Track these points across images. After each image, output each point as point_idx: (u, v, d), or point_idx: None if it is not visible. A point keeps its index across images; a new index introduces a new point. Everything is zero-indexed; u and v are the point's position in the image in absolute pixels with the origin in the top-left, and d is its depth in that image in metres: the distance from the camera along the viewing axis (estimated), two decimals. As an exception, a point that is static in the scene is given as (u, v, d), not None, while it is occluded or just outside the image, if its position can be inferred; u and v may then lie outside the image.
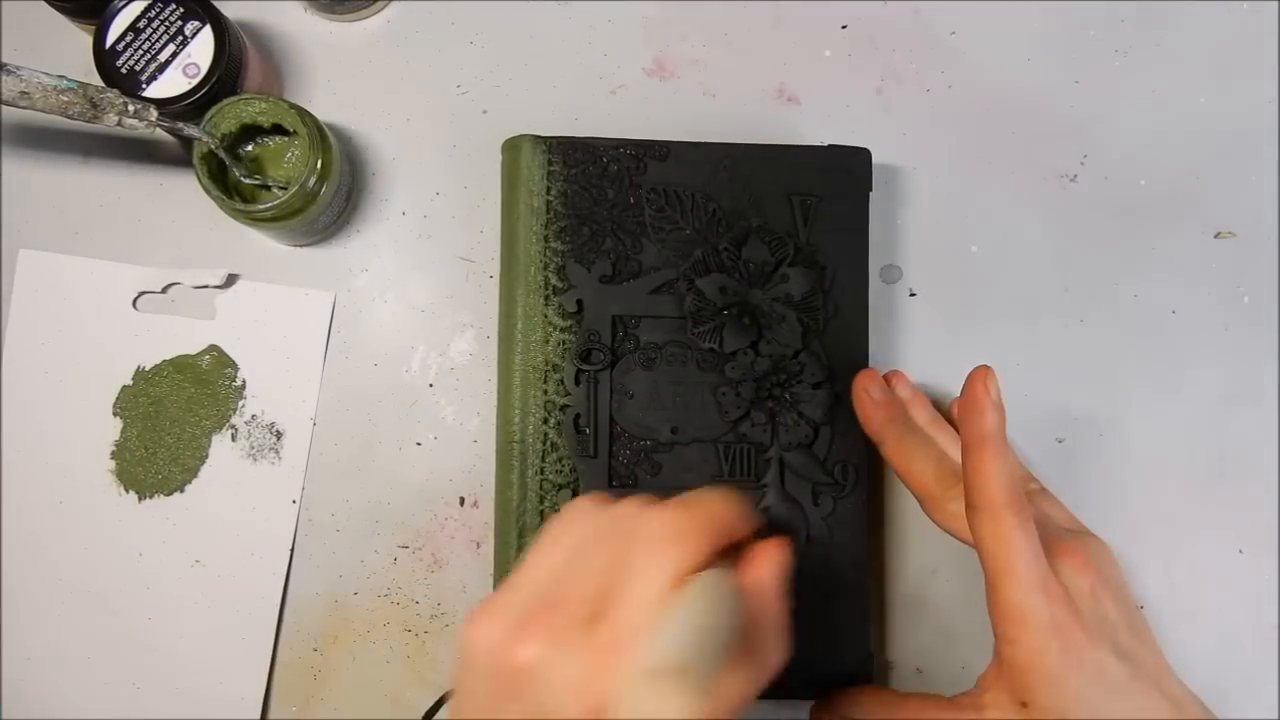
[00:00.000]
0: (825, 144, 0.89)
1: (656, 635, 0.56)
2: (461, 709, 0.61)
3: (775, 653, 0.64)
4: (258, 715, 0.91)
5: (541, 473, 0.84)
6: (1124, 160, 0.97)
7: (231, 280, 0.92)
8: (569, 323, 0.85)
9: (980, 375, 0.73)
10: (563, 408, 0.85)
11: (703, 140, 0.88)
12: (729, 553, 0.63)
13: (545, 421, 0.84)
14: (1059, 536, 0.76)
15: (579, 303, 0.85)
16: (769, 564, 0.66)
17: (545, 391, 0.84)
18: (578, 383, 0.84)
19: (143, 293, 0.92)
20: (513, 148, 0.87)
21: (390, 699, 0.92)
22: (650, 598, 0.56)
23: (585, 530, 0.62)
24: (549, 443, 0.84)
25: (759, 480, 0.86)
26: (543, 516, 0.84)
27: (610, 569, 0.59)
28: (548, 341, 0.85)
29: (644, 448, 0.85)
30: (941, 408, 0.90)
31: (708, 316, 0.85)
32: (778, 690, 0.83)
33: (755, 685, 0.61)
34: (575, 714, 0.55)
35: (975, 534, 0.73)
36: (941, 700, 0.77)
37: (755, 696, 0.62)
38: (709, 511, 0.62)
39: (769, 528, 0.85)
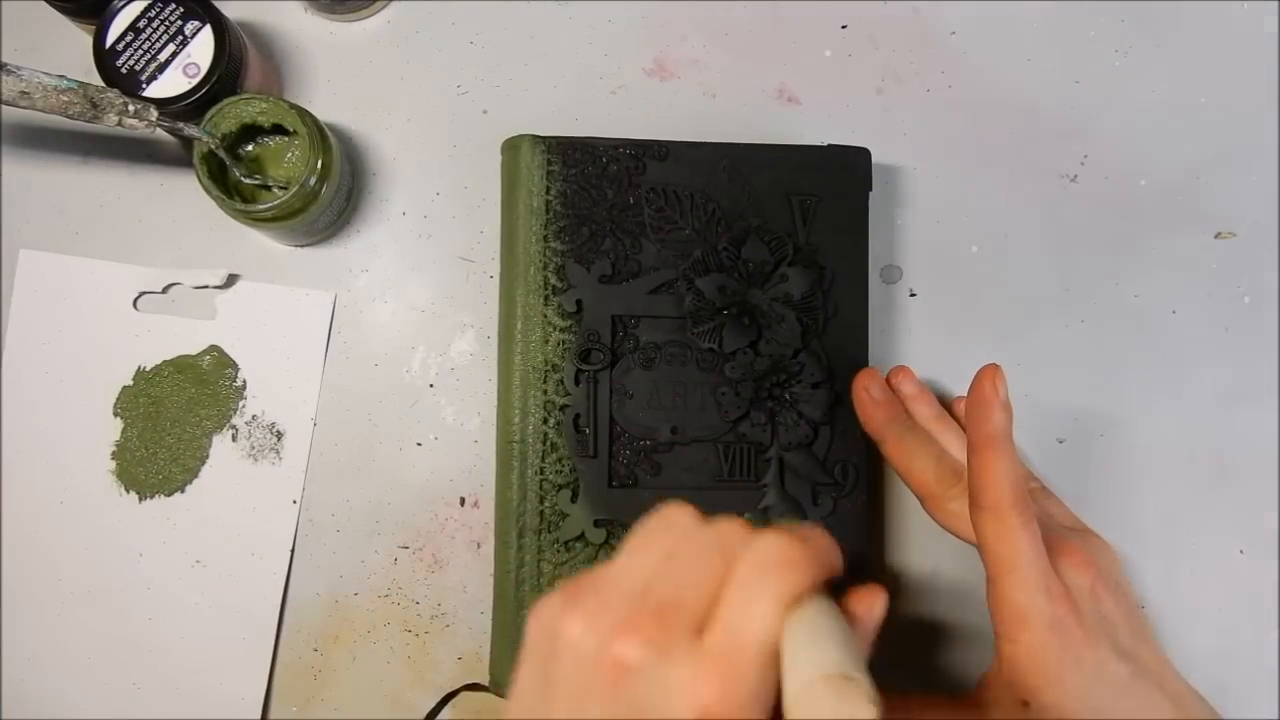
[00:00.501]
0: (825, 144, 0.89)
1: (812, 644, 0.56)
2: (546, 697, 0.59)
3: None
4: (258, 715, 0.91)
5: (541, 472, 0.84)
6: (1124, 160, 0.97)
7: (232, 280, 0.92)
8: (568, 323, 0.85)
9: (988, 374, 0.72)
10: (562, 407, 0.85)
11: (702, 140, 0.88)
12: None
13: (545, 421, 0.84)
14: (1060, 535, 0.76)
15: (578, 303, 0.85)
16: (875, 602, 0.66)
17: (545, 391, 0.85)
18: (577, 382, 0.84)
19: (143, 293, 0.92)
20: (512, 148, 0.87)
21: (390, 699, 0.92)
22: (764, 617, 0.56)
23: (683, 540, 0.61)
24: (549, 442, 0.84)
25: (759, 480, 0.86)
26: (542, 516, 0.84)
27: (714, 583, 0.58)
28: (547, 341, 0.85)
29: (644, 447, 0.85)
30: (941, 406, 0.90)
31: (707, 316, 0.85)
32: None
33: None
34: (683, 717, 0.55)
35: (978, 533, 0.73)
36: (943, 700, 0.77)
37: None
38: (820, 546, 0.62)
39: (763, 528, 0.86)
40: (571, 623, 0.58)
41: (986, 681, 0.75)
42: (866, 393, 0.85)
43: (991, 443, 0.72)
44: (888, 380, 0.89)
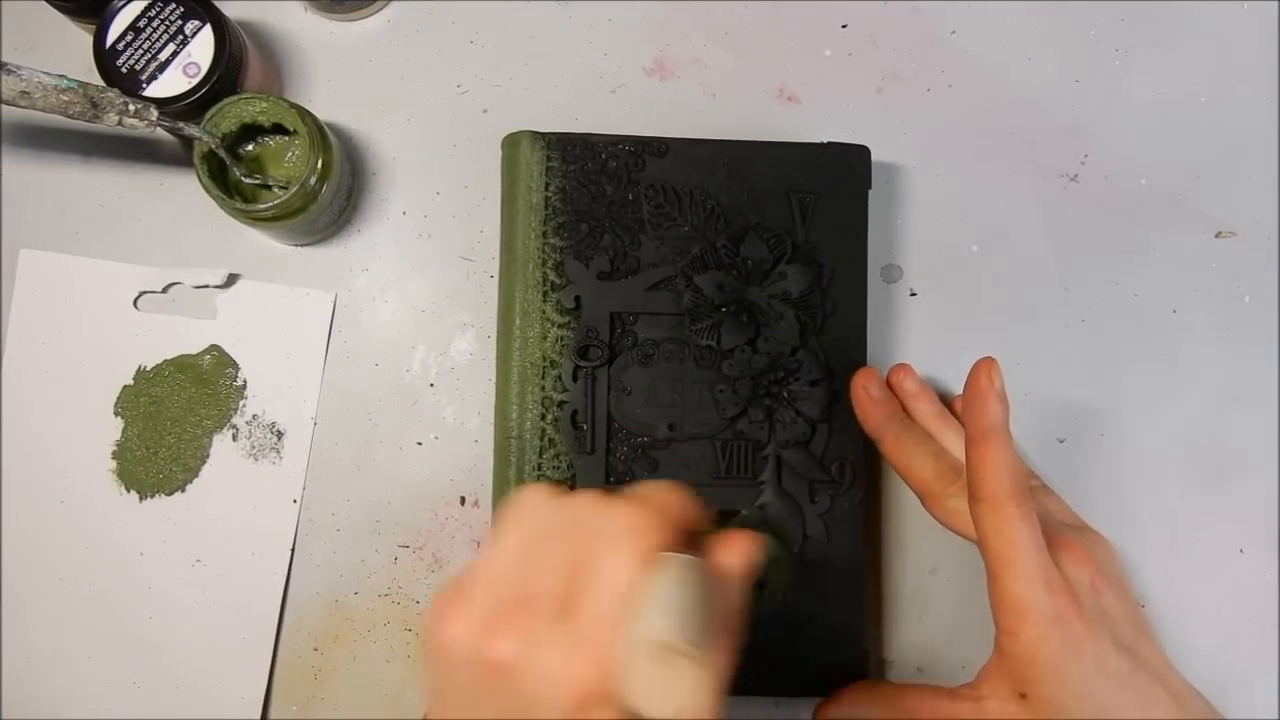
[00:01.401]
0: (824, 142, 0.89)
1: (649, 611, 0.57)
2: (441, 708, 0.62)
3: (732, 645, 0.64)
4: (258, 715, 0.91)
5: (539, 469, 0.84)
6: (1124, 160, 0.97)
7: (232, 280, 0.92)
8: (567, 319, 0.85)
9: (984, 367, 0.73)
10: (560, 404, 0.85)
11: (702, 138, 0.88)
12: (689, 545, 0.64)
13: (543, 418, 0.85)
14: (1060, 531, 0.77)
15: (577, 299, 0.85)
16: (738, 552, 0.66)
17: (543, 388, 0.85)
18: (575, 379, 0.85)
19: (143, 292, 0.92)
20: (512, 143, 0.87)
21: (391, 699, 0.91)
22: (621, 586, 0.57)
23: (542, 523, 0.62)
24: (546, 439, 0.84)
25: (756, 478, 0.86)
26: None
27: (575, 562, 0.59)
28: (545, 338, 0.85)
29: (641, 444, 0.85)
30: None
31: (706, 313, 0.85)
32: (775, 689, 0.84)
33: (727, 671, 0.62)
34: (562, 704, 0.56)
35: (978, 526, 0.73)
36: (940, 692, 0.77)
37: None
38: (666, 503, 0.64)
39: (760, 525, 0.86)
40: (447, 630, 0.60)
41: (985, 675, 0.75)
42: (865, 391, 0.85)
43: (989, 434, 0.72)
44: (888, 378, 0.89)
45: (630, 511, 0.61)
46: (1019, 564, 0.70)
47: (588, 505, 0.62)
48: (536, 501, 0.64)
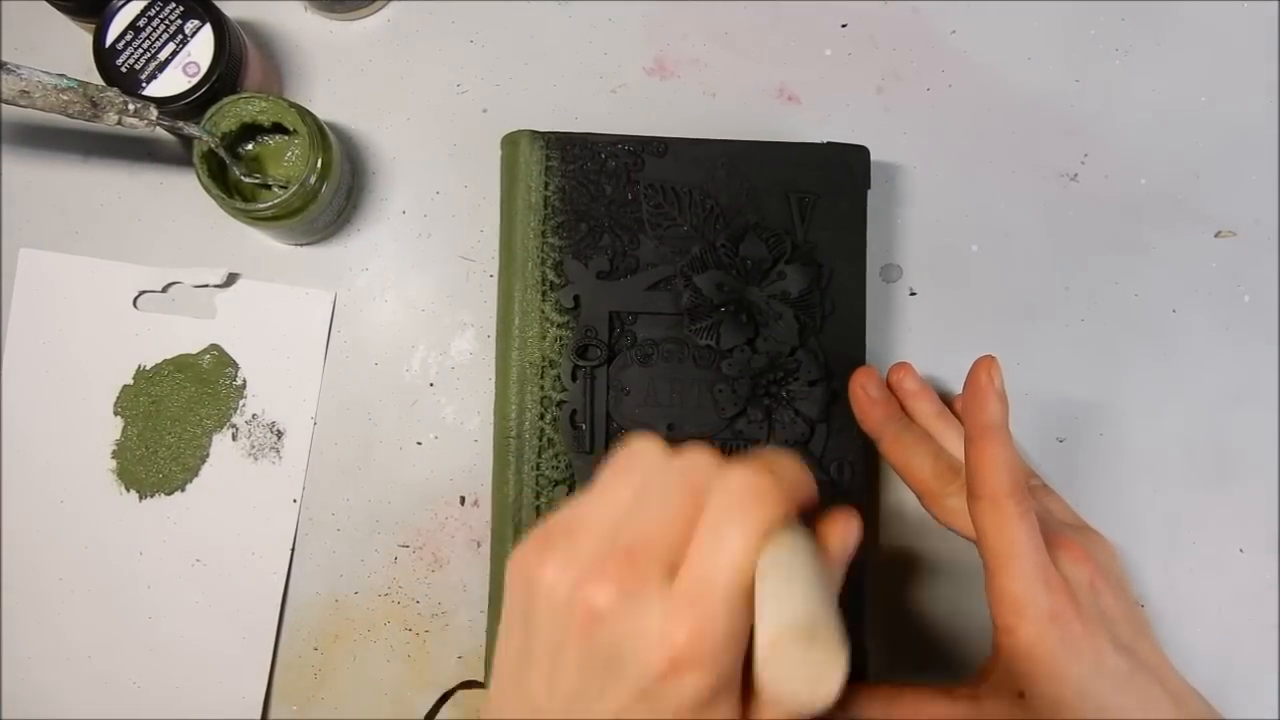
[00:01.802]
0: (824, 141, 0.89)
1: (784, 591, 0.56)
2: (519, 647, 0.60)
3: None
4: (258, 715, 0.91)
5: (538, 469, 0.84)
6: (1124, 159, 0.97)
7: (232, 279, 0.92)
8: (566, 318, 0.85)
9: (984, 365, 0.73)
10: (559, 403, 0.85)
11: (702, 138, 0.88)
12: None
13: (542, 417, 0.84)
14: (1059, 530, 0.76)
15: (576, 299, 0.85)
16: (850, 529, 0.66)
17: (542, 387, 0.85)
18: (574, 379, 0.85)
19: (143, 292, 0.92)
20: (511, 143, 0.88)
21: (390, 698, 0.92)
22: (736, 554, 0.56)
23: (654, 474, 0.61)
24: (546, 438, 0.84)
25: (755, 477, 0.85)
26: (539, 512, 0.84)
27: (685, 520, 0.58)
28: (545, 337, 0.85)
29: (640, 444, 0.85)
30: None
31: (705, 313, 0.85)
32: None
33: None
34: (654, 663, 0.55)
35: (976, 523, 0.73)
36: (938, 691, 0.77)
37: None
38: (791, 474, 0.62)
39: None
40: (544, 571, 0.58)
41: (983, 674, 0.75)
42: (863, 391, 0.85)
43: (988, 432, 0.72)
44: (887, 377, 0.89)
45: (753, 477, 0.59)
46: (1017, 562, 0.70)
47: (707, 462, 0.60)
48: (647, 450, 0.62)
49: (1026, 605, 0.70)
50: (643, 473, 0.61)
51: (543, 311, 0.85)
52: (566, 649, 0.57)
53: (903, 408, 0.87)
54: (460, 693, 0.91)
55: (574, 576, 0.57)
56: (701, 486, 0.59)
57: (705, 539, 0.57)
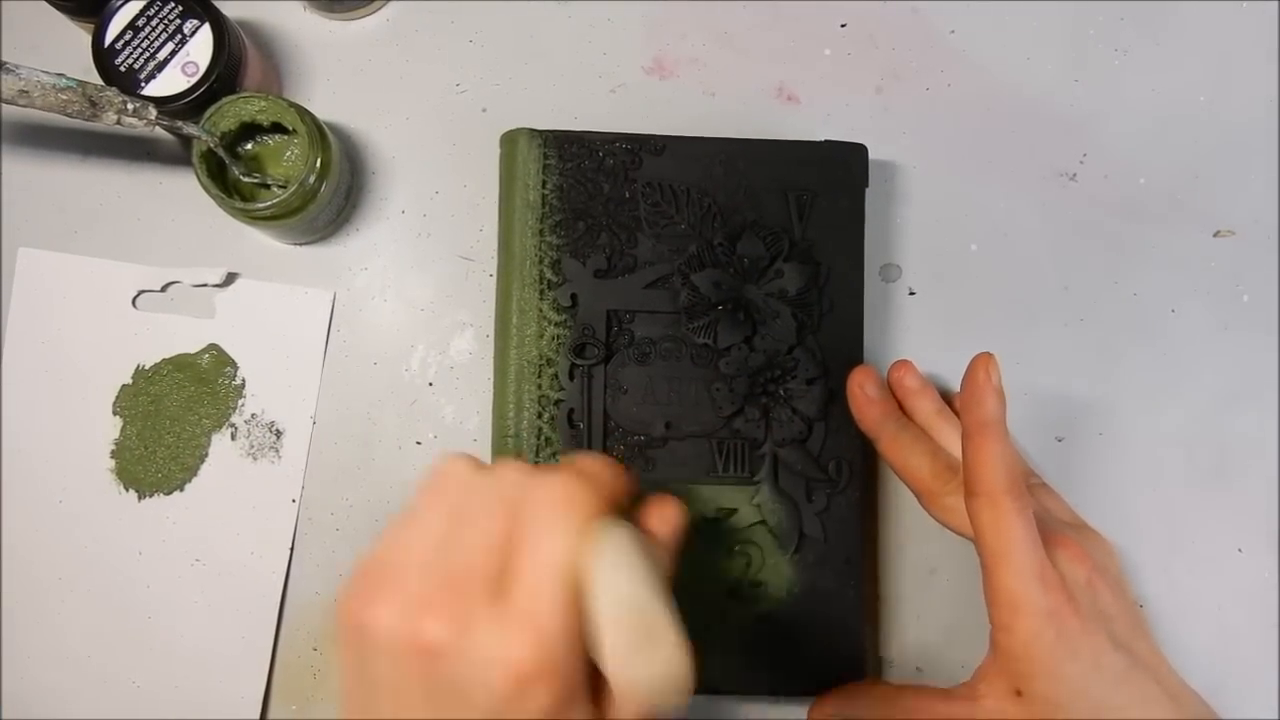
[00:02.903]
0: (822, 140, 0.89)
1: (609, 579, 0.56)
2: (362, 701, 0.60)
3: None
4: (257, 715, 0.91)
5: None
6: (1124, 159, 0.97)
7: (231, 279, 0.92)
8: (563, 317, 0.85)
9: (981, 362, 0.73)
10: (557, 402, 0.85)
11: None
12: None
13: (539, 416, 0.84)
14: (1057, 529, 0.76)
15: (573, 297, 0.85)
16: (668, 518, 0.66)
17: (539, 386, 0.85)
18: (572, 377, 0.85)
19: (142, 291, 0.92)
20: (510, 141, 0.88)
21: (389, 698, 0.91)
22: (558, 559, 0.56)
23: (465, 495, 0.60)
24: (543, 437, 0.84)
25: (753, 476, 0.86)
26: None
27: (506, 536, 0.58)
28: (542, 336, 0.85)
29: (638, 443, 0.85)
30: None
31: (702, 311, 0.85)
32: (772, 688, 0.84)
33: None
34: (500, 685, 0.54)
35: (973, 521, 0.73)
36: (937, 692, 0.77)
37: None
38: (599, 474, 0.63)
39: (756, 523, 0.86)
40: (372, 615, 0.58)
41: (980, 674, 0.75)
42: (861, 390, 0.85)
43: (985, 428, 0.72)
44: (888, 375, 0.89)
45: (563, 482, 0.59)
46: (1014, 559, 0.70)
47: (515, 476, 0.60)
48: (458, 472, 0.62)
49: (1023, 603, 0.70)
50: (454, 495, 0.61)
51: (540, 310, 0.85)
52: (410, 689, 0.57)
53: (902, 406, 0.87)
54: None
55: (402, 614, 0.57)
56: (514, 500, 0.59)
57: (525, 551, 0.57)
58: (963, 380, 0.74)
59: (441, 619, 0.56)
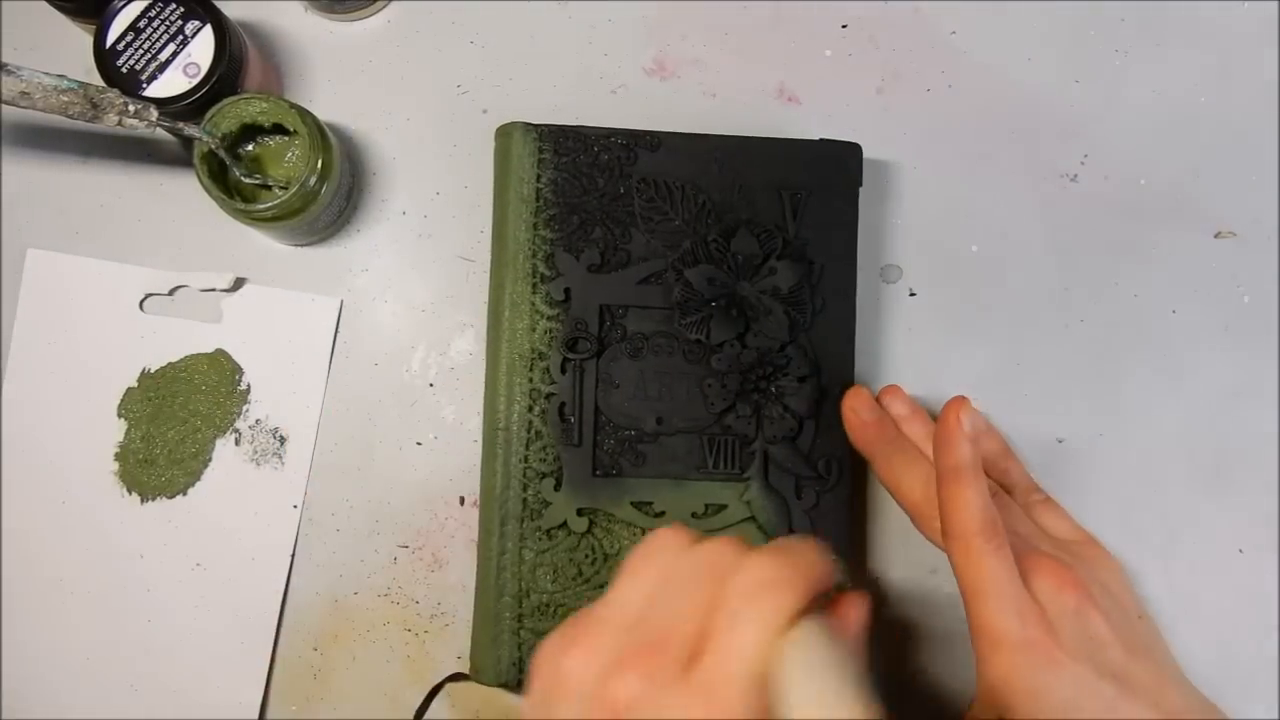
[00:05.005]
0: (817, 138, 0.89)
1: (807, 682, 0.57)
2: None
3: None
4: (257, 715, 0.91)
5: (525, 460, 0.84)
6: (1124, 160, 0.97)
7: (239, 284, 0.93)
8: (556, 311, 0.85)
9: (954, 407, 0.75)
10: (548, 396, 0.85)
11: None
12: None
13: (530, 409, 0.85)
14: (1044, 556, 0.76)
15: (566, 291, 0.85)
16: (860, 610, 0.67)
17: (531, 379, 0.85)
18: (563, 371, 0.85)
19: (149, 295, 0.93)
20: (504, 134, 0.88)
21: (390, 699, 0.92)
22: (751, 645, 0.57)
23: (673, 566, 0.62)
24: (534, 430, 0.85)
25: (743, 473, 0.86)
26: (525, 504, 0.84)
27: (705, 610, 0.59)
28: (534, 329, 0.85)
29: (628, 437, 0.85)
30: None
31: (695, 308, 0.85)
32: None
33: None
34: None
35: (951, 560, 0.75)
36: None
37: None
38: (808, 561, 0.63)
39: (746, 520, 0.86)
40: (570, 660, 0.59)
41: (973, 702, 0.76)
42: (855, 414, 0.85)
43: (957, 475, 0.74)
44: (878, 399, 0.89)
45: (770, 565, 0.60)
46: (990, 596, 0.72)
47: (725, 552, 0.61)
48: (670, 543, 0.63)
49: (1000, 636, 0.72)
50: (664, 563, 0.62)
51: (533, 304, 0.85)
52: None
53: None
54: (457, 692, 0.91)
55: (599, 667, 0.58)
56: (722, 575, 0.60)
57: (722, 627, 0.58)
58: (937, 425, 0.76)
59: (634, 677, 0.57)
